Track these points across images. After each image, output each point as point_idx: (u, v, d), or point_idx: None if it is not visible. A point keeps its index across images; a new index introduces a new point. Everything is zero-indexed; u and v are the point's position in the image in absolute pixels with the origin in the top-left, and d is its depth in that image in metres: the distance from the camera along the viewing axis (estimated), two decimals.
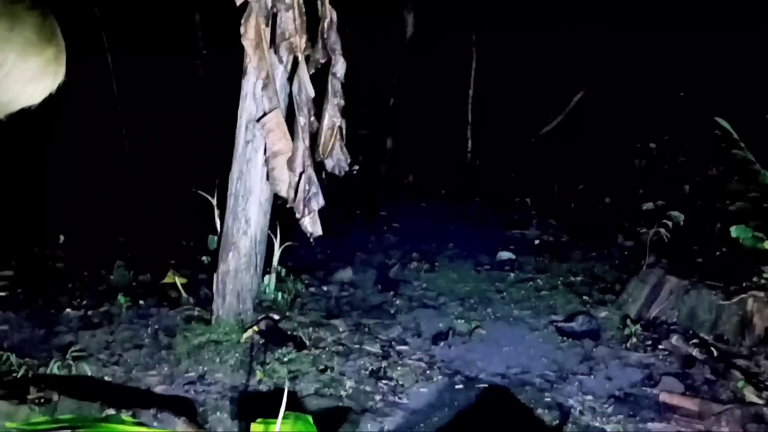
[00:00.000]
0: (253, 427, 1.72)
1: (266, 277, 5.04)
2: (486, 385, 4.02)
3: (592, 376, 4.15)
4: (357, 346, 4.48)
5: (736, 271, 4.91)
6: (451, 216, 8.50)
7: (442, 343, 4.61)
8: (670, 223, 5.10)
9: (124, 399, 3.31)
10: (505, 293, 5.69)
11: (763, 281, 4.69)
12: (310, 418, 1.86)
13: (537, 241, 7.37)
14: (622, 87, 10.02)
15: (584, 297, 5.53)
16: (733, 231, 4.84)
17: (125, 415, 2.40)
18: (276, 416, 1.79)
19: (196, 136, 8.94)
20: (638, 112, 9.38)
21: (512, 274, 6.16)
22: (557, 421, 3.61)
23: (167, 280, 5.20)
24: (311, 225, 4.01)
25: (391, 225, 7.88)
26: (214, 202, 5.10)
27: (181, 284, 5.07)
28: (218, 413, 3.48)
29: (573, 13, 10.25)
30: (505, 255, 6.75)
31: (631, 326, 4.80)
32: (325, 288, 5.66)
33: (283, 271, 5.31)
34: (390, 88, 10.34)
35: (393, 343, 4.62)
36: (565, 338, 4.73)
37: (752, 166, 4.86)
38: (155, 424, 2.80)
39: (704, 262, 5.25)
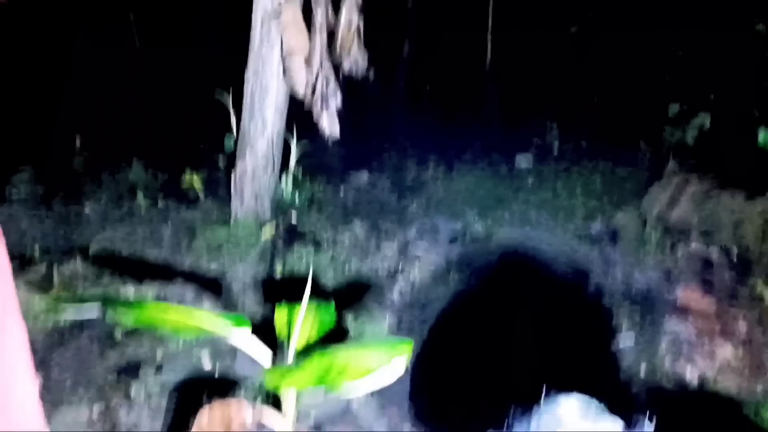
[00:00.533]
0: (278, 309, 1.73)
1: (283, 178, 5.02)
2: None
3: (608, 279, 4.16)
4: (374, 245, 4.51)
5: (760, 177, 4.80)
6: (468, 123, 8.32)
7: (458, 242, 4.63)
8: (695, 129, 4.94)
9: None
10: (522, 197, 5.65)
11: None
12: (333, 305, 1.88)
13: (556, 146, 7.23)
14: None
15: (603, 202, 5.48)
16: (761, 136, 4.69)
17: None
18: (298, 303, 1.81)
19: (209, 31, 8.67)
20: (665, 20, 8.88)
21: (530, 179, 6.09)
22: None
23: (185, 180, 5.20)
24: (329, 124, 3.93)
25: (407, 131, 7.75)
26: (230, 101, 5.01)
27: (199, 183, 5.07)
28: (242, 298, 3.57)
29: None
30: (523, 160, 6.65)
31: (650, 230, 4.77)
32: (342, 190, 5.65)
33: (300, 172, 5.28)
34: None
35: (408, 243, 4.64)
36: (582, 241, 4.72)
37: None
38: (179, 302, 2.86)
39: (728, 167, 5.13)
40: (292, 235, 4.43)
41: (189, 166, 5.46)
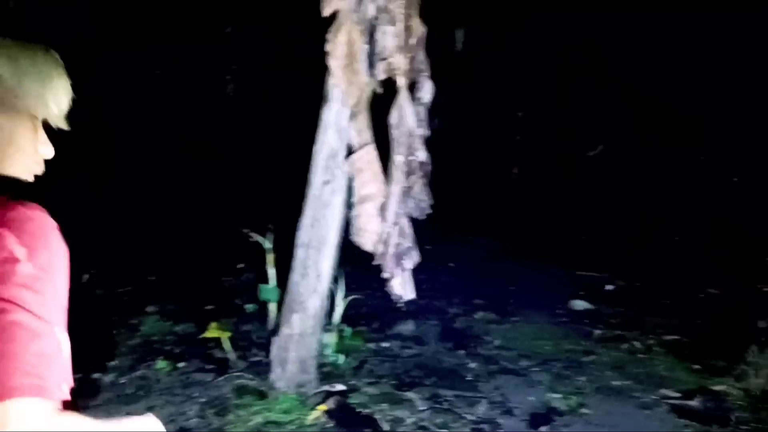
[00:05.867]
0: None
1: (326, 336, 4.28)
2: None
3: None
4: (443, 430, 3.70)
5: None
6: (503, 251, 7.74)
7: (543, 428, 3.82)
8: None
9: None
10: (595, 355, 4.92)
11: None
12: None
13: (610, 287, 6.59)
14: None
15: (689, 363, 4.76)
16: None
17: None
18: None
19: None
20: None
21: (596, 331, 5.39)
22: None
23: (209, 334, 4.41)
24: (402, 287, 3.26)
25: (444, 263, 7.11)
26: (269, 245, 4.36)
27: (228, 341, 4.29)
28: None
29: None
30: (580, 304, 5.99)
31: (762, 407, 4.03)
32: (386, 345, 4.90)
33: (344, 326, 4.56)
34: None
35: (482, 425, 3.84)
36: (686, 421, 3.95)
37: None
38: None
39: None
40: (345, 416, 3.63)
41: (212, 316, 4.70)
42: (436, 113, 3.90)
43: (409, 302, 5.80)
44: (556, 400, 4.15)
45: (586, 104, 9.95)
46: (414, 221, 3.92)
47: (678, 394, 4.27)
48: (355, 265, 3.97)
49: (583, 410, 4.03)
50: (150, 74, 8.05)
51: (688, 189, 8.29)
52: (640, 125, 9.94)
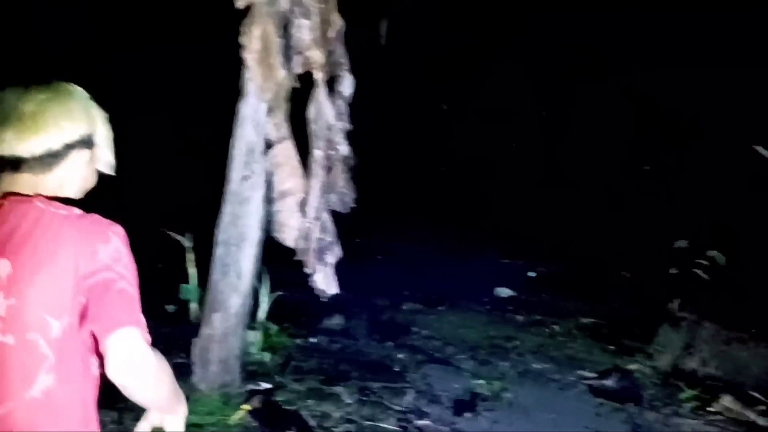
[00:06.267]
0: None
1: (250, 334, 4.21)
2: None
3: None
4: (370, 423, 3.72)
5: None
6: (432, 241, 7.85)
7: (467, 414, 3.91)
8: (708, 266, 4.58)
9: None
10: (517, 340, 5.07)
11: None
12: None
13: (533, 274, 6.80)
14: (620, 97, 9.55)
15: (605, 344, 4.98)
16: None
17: None
18: None
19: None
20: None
21: (519, 317, 5.55)
22: None
23: None
24: (325, 282, 3.25)
25: (373, 256, 7.13)
26: (189, 244, 4.25)
27: None
28: None
29: None
30: (504, 292, 6.15)
31: (671, 383, 4.27)
32: (314, 340, 4.88)
33: (269, 323, 4.50)
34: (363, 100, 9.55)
35: (409, 415, 3.88)
36: (602, 400, 4.13)
37: None
38: None
39: (743, 307, 4.77)
40: (271, 415, 3.58)
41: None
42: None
43: (338, 296, 5.78)
44: (480, 386, 4.25)
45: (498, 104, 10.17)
46: (342, 214, 3.93)
47: (594, 375, 4.46)
48: (282, 261, 3.92)
49: (506, 394, 4.15)
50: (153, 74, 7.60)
51: (603, 177, 8.63)
52: (547, 118, 10.29)
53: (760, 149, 4.47)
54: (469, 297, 6.04)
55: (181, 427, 1.51)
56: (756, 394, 4.13)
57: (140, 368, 1.27)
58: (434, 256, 7.33)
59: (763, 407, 3.88)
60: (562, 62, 9.69)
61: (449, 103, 10.95)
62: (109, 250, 1.28)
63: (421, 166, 10.29)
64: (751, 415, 3.87)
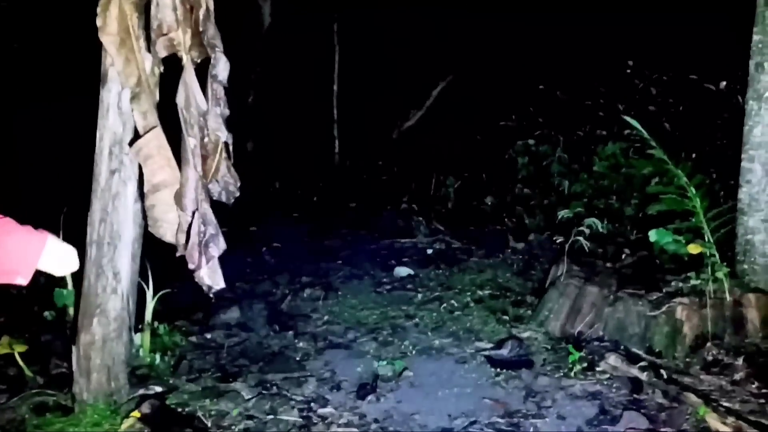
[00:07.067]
0: None
1: (137, 336, 3.98)
2: None
3: (546, 419, 3.67)
4: (270, 416, 3.63)
5: (658, 279, 4.74)
6: (329, 227, 7.76)
7: (369, 397, 3.89)
8: (586, 231, 4.80)
9: None
10: (417, 318, 5.12)
11: (687, 288, 4.53)
12: None
13: (430, 251, 6.90)
14: (486, 76, 9.83)
15: (500, 314, 5.13)
16: (652, 235, 4.63)
17: None
18: None
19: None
20: (510, 105, 9.23)
21: (418, 294, 5.61)
22: None
23: (0, 349, 3.90)
24: (210, 277, 3.08)
25: (267, 244, 6.97)
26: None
27: (21, 355, 3.82)
28: None
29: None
30: (402, 270, 6.19)
31: (561, 347, 4.46)
32: (209, 336, 4.70)
33: (157, 324, 4.27)
34: (246, 84, 9.28)
35: (312, 404, 3.83)
36: (499, 369, 4.25)
37: (666, 165, 4.68)
38: None
39: (622, 269, 5.05)
40: (163, 420, 3.40)
41: (3, 329, 4.16)
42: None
43: (234, 287, 5.64)
44: (382, 367, 4.25)
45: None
46: (236, 203, 3.76)
47: (491, 345, 4.58)
48: (170, 256, 3.72)
49: (407, 373, 4.17)
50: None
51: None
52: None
53: (630, 120, 4.71)
54: (369, 279, 6.04)
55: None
56: (638, 351, 4.39)
57: None
58: (332, 240, 7.27)
59: (644, 363, 4.11)
60: None
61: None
62: None
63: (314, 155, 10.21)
64: (635, 372, 4.09)
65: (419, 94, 11.03)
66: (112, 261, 3.25)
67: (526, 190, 7.28)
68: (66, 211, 4.07)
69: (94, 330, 3.33)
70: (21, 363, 3.76)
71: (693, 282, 4.47)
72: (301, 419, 3.62)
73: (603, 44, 8.66)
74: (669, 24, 8.21)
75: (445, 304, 5.34)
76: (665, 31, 8.21)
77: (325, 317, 5.15)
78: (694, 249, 4.38)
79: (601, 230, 4.69)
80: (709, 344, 4.18)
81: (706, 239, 4.46)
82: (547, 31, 9.06)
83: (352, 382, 4.08)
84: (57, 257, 1.73)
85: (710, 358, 4.13)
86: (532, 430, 3.57)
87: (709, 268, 4.32)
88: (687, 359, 4.27)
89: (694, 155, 6.20)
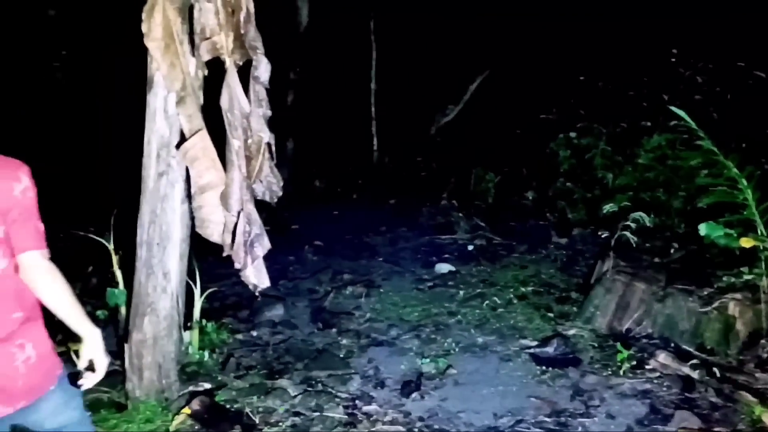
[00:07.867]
0: None
1: (186, 334, 4.06)
2: None
3: (594, 418, 3.61)
4: (316, 413, 3.66)
5: (708, 273, 4.61)
6: (370, 224, 7.79)
7: (414, 394, 3.89)
8: (632, 225, 4.69)
9: None
10: (459, 315, 5.09)
11: (740, 282, 4.39)
12: None
13: (470, 247, 6.85)
14: (525, 69, 9.70)
15: (544, 311, 5.06)
16: (702, 228, 4.49)
17: None
18: None
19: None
20: (550, 98, 9.08)
21: (460, 291, 5.57)
22: None
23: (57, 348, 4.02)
24: (256, 276, 3.13)
25: (310, 242, 7.02)
26: (111, 246, 4.04)
27: (77, 354, 3.94)
28: None
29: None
30: (444, 267, 6.17)
31: (608, 345, 4.38)
32: (255, 333, 4.77)
33: (205, 322, 4.35)
34: (285, 84, 9.37)
35: (357, 401, 3.84)
36: (544, 368, 4.19)
37: (715, 157, 4.54)
38: None
39: (670, 264, 4.92)
40: (212, 417, 3.47)
41: (62, 327, 4.29)
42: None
43: (278, 285, 5.72)
44: (426, 365, 4.24)
45: None
46: (278, 202, 3.80)
47: (536, 343, 4.52)
48: (217, 255, 3.79)
49: (451, 371, 4.16)
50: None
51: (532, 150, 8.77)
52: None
53: (676, 110, 4.58)
54: (411, 276, 6.04)
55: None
56: (689, 348, 4.28)
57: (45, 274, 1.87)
58: (373, 238, 7.29)
59: (696, 361, 4.01)
60: None
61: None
62: (21, 188, 1.77)
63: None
64: (686, 370, 3.99)
65: (456, 89, 10.97)
66: (161, 261, 3.33)
67: (569, 184, 7.15)
68: (116, 213, 4.17)
69: (146, 329, 3.42)
70: (76, 360, 3.87)
71: (746, 276, 4.34)
72: (346, 416, 3.64)
73: (646, 32, 8.44)
74: (714, 9, 7.95)
75: (487, 301, 5.30)
76: (711, 17, 7.96)
77: (368, 314, 5.17)
78: (746, 242, 4.25)
79: (647, 224, 4.58)
80: (763, 341, 4.06)
81: (759, 232, 4.31)
82: (588, 20, 8.88)
83: (396, 379, 4.09)
84: None
85: (765, 355, 4.01)
86: (580, 429, 3.51)
87: (763, 262, 4.19)
88: (740, 356, 4.15)
89: (743, 145, 6.00)
